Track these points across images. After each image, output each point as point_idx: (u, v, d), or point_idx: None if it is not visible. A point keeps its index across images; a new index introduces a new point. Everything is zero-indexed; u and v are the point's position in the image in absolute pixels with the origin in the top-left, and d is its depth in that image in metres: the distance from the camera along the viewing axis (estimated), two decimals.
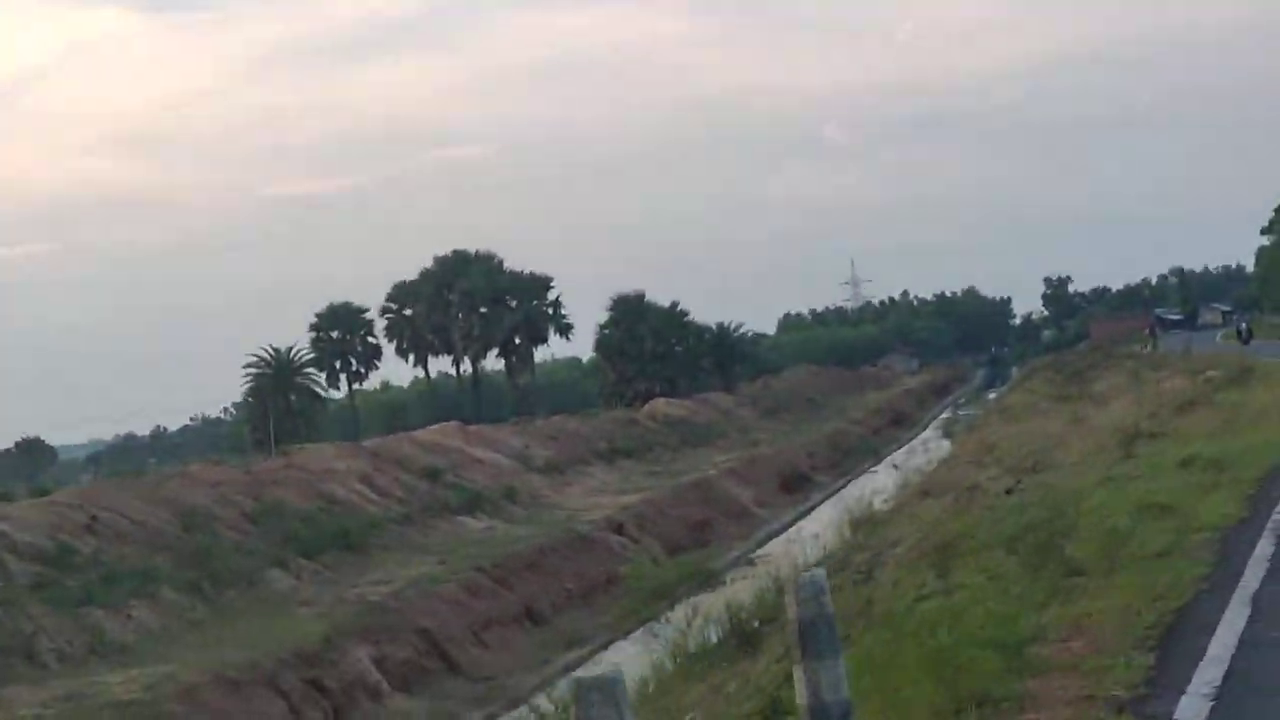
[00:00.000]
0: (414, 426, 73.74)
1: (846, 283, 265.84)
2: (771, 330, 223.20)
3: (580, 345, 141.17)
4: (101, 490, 42.60)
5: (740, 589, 31.56)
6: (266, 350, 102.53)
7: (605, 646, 36.42)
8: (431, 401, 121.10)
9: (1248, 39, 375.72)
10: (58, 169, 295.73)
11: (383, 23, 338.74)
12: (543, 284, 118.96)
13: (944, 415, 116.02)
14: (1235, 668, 9.25)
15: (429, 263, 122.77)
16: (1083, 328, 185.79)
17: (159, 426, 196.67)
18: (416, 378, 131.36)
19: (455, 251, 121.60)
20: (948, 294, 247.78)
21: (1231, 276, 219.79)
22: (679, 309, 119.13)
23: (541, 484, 60.42)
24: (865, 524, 34.28)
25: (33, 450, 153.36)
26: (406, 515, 48.19)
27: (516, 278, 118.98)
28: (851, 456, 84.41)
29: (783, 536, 53.10)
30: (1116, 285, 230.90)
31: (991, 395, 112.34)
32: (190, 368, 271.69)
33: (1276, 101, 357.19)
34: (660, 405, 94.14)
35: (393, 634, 33.95)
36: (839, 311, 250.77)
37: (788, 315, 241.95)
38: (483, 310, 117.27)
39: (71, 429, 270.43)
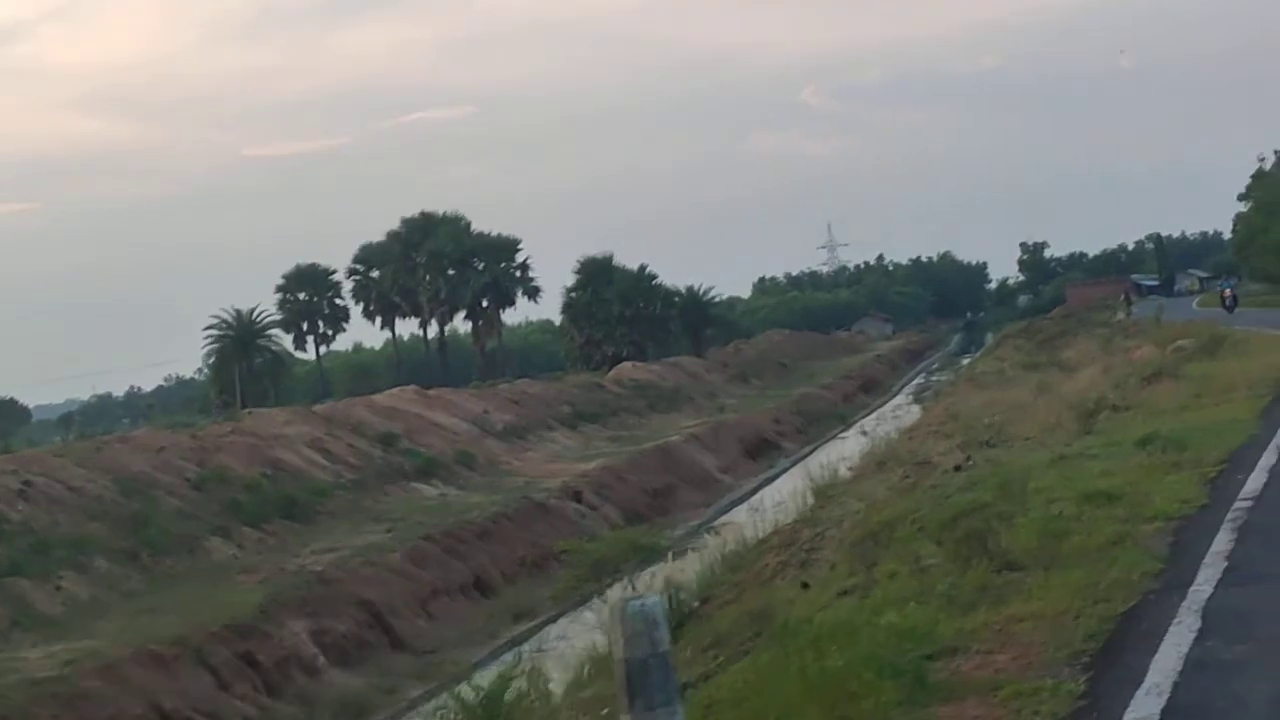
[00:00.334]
0: (384, 389, 72.44)
1: (823, 247, 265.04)
2: (747, 294, 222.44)
3: (554, 308, 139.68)
4: (40, 455, 41.29)
5: (690, 562, 30.55)
6: (228, 312, 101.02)
7: (554, 619, 35.32)
8: (398, 364, 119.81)
9: (1227, 5, 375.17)
10: (38, 127, 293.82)
11: None
12: (510, 246, 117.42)
13: (917, 381, 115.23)
14: (1177, 700, 8.00)
15: (396, 224, 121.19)
16: (1059, 293, 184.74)
17: (133, 387, 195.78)
18: (389, 340, 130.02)
19: (423, 213, 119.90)
20: (924, 259, 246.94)
21: (1209, 243, 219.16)
22: (646, 272, 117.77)
23: (500, 450, 59.32)
24: (823, 495, 33.28)
25: (4, 411, 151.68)
26: (358, 482, 47.09)
27: (484, 239, 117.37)
28: (820, 422, 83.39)
29: (745, 504, 51.90)
30: (1093, 251, 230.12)
31: (966, 360, 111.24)
32: (167, 328, 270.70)
33: (1255, 68, 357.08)
34: (627, 369, 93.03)
35: (333, 606, 32.86)
36: (814, 276, 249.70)
37: (762, 279, 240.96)
38: (450, 272, 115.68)
39: (50, 389, 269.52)
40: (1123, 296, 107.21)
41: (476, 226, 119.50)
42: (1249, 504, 14.43)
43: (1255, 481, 15.81)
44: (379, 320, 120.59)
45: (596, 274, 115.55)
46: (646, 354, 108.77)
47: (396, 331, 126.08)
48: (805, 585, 16.45)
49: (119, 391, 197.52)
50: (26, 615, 29.50)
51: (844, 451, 55.84)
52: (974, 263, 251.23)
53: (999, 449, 22.93)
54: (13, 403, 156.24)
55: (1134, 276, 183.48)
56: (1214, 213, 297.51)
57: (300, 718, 27.83)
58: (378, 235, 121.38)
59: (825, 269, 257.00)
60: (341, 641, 31.76)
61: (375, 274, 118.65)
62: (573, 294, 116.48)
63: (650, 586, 24.00)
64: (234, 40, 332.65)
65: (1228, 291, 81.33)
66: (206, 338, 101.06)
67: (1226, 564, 11.61)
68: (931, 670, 9.16)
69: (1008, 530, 12.47)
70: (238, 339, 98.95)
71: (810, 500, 33.56)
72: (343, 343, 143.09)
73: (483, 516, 42.93)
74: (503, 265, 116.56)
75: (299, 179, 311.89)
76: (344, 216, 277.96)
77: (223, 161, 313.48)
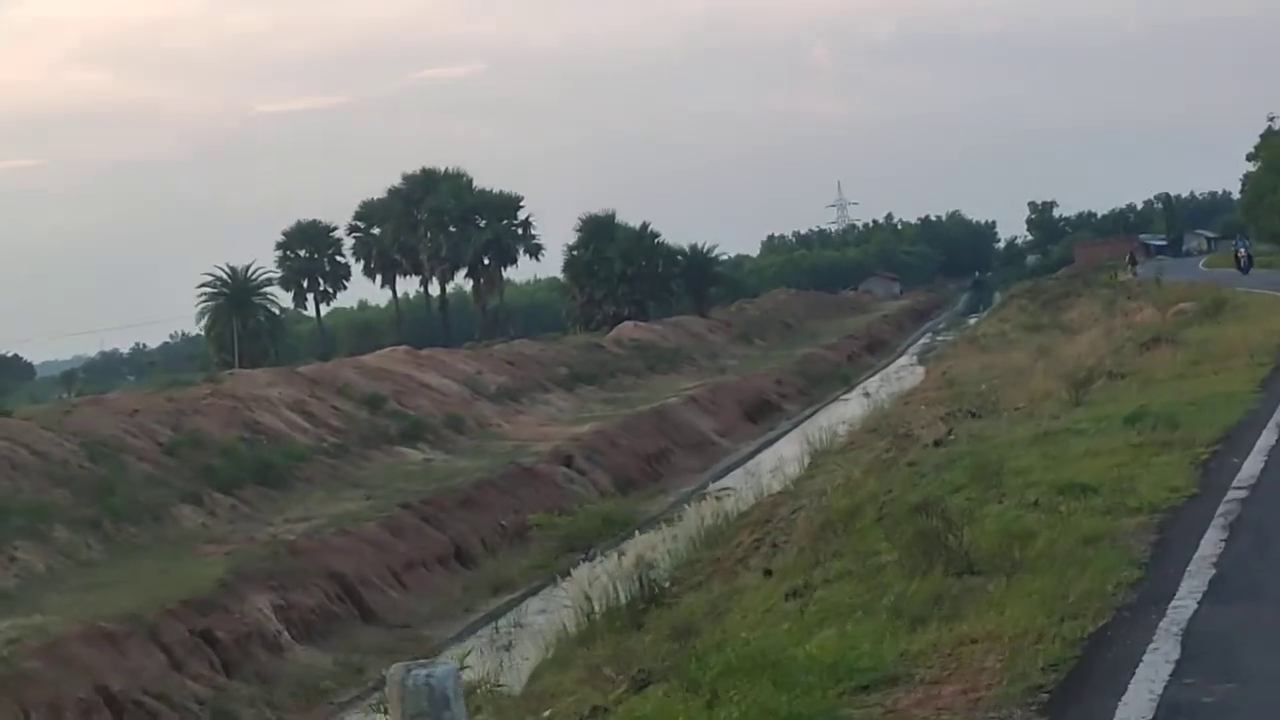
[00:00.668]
0: (388, 348, 71.04)
1: (833, 205, 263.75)
2: (756, 253, 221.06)
3: (560, 266, 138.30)
4: (5, 419, 39.94)
5: (673, 532, 29.38)
6: (223, 269, 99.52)
7: (535, 592, 34.08)
8: (399, 323, 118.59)
9: None
10: (44, 82, 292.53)
11: None
12: (512, 203, 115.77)
13: (923, 341, 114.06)
14: None
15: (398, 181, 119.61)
16: (1067, 253, 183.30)
17: (138, 344, 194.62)
18: (398, 296, 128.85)
19: (424, 169, 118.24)
20: (932, 218, 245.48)
21: (1217, 203, 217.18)
22: (649, 230, 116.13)
23: (492, 412, 58.05)
24: (812, 464, 32.16)
25: (6, 367, 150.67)
26: (341, 446, 45.81)
27: (486, 196, 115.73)
28: (823, 384, 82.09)
29: (742, 469, 50.63)
30: (1102, 210, 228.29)
31: (972, 320, 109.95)
32: (175, 284, 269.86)
33: (1264, 27, 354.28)
34: (628, 329, 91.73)
35: (301, 578, 31.60)
36: (822, 234, 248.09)
37: (771, 238, 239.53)
38: (451, 229, 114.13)
39: (58, 345, 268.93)
40: (1128, 257, 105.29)
41: (482, 184, 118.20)
42: (1243, 493, 13.01)
43: (1251, 466, 14.36)
44: (379, 278, 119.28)
45: (598, 232, 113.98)
46: (648, 313, 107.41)
47: (402, 289, 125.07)
48: (768, 572, 15.27)
49: (126, 348, 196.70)
50: None
51: (844, 414, 54.76)
52: (983, 222, 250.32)
53: (985, 420, 21.59)
54: (16, 359, 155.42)
55: (1142, 236, 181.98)
56: (1223, 172, 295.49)
57: (258, 697, 26.59)
58: (381, 193, 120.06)
59: (835, 228, 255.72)
60: (308, 616, 30.50)
61: (376, 231, 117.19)
62: (574, 252, 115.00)
63: (620, 564, 22.82)
64: None
65: (1243, 251, 76.23)
66: (200, 295, 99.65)
67: (1214, 572, 10.19)
68: (862, 709, 7.83)
69: (972, 525, 11.11)
70: (232, 297, 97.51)
71: (800, 468, 32.54)
72: (349, 300, 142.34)
73: (466, 483, 41.68)
74: (504, 223, 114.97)
75: (308, 135, 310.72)
76: (352, 174, 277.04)
77: (232, 118, 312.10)
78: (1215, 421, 17.00)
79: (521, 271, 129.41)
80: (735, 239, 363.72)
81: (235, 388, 47.39)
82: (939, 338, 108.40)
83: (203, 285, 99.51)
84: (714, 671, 8.34)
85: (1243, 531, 11.53)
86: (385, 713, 9.79)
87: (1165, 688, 7.60)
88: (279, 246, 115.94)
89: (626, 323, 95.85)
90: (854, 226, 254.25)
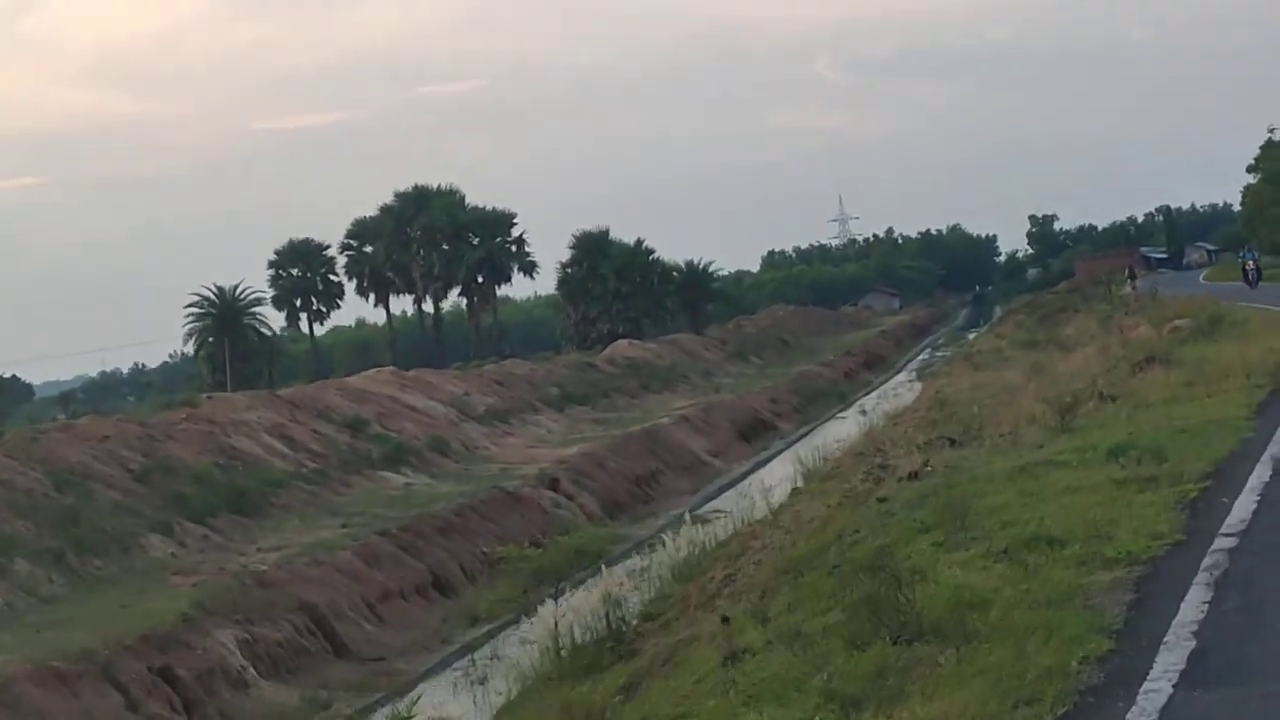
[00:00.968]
0: (384, 367, 69.96)
1: (835, 220, 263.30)
2: (756, 268, 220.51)
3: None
4: None
5: (654, 560, 28.43)
6: (210, 289, 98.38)
7: (514, 623, 32.99)
8: (393, 342, 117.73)
9: None
10: (46, 100, 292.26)
11: None
12: (506, 220, 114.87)
13: (922, 356, 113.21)
14: None
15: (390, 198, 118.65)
16: (1068, 266, 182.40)
17: (138, 364, 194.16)
18: (392, 315, 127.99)
19: (416, 186, 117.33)
20: (933, 232, 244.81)
21: (1218, 215, 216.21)
22: (644, 246, 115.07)
23: (480, 434, 57.07)
24: (805, 484, 31.23)
25: (4, 389, 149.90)
26: (320, 471, 44.76)
27: (479, 213, 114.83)
28: (819, 401, 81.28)
29: (734, 490, 49.61)
30: (1102, 224, 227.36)
31: (972, 335, 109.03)
32: (176, 303, 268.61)
33: (1264, 40, 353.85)
34: (622, 347, 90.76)
35: (270, 611, 30.60)
36: (823, 250, 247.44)
37: (771, 253, 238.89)
38: (444, 247, 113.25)
39: (58, 365, 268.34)
40: (1126, 270, 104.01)
41: (479, 200, 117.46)
42: (1232, 541, 11.72)
43: (1242, 507, 13.03)
44: (372, 297, 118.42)
45: (592, 249, 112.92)
46: (643, 331, 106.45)
47: (398, 308, 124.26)
48: (725, 620, 14.28)
49: (127, 368, 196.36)
50: None
51: (840, 433, 53.80)
52: (983, 236, 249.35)
53: (966, 449, 20.51)
54: (15, 380, 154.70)
55: (1143, 249, 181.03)
56: (1224, 185, 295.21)
57: None
58: (374, 210, 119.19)
59: (836, 242, 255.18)
60: (276, 651, 29.49)
61: (368, 249, 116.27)
62: (568, 270, 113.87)
63: (587, 601, 21.88)
64: (242, 14, 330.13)
65: (1251, 263, 70.33)
66: (188, 316, 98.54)
67: (1194, 644, 8.96)
68: None
69: (928, 581, 10.02)
70: (219, 317, 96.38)
71: (786, 493, 31.56)
72: (348, 318, 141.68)
73: (446, 509, 40.68)
74: (498, 240, 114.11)
75: (308, 153, 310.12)
76: (352, 191, 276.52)
77: (232, 136, 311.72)
78: (1206, 453, 15.71)
79: (522, 289, 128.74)
80: (736, 255, 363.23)
81: (212, 412, 46.33)
82: (938, 353, 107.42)
83: (190, 305, 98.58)
84: None
85: (1229, 591, 10.31)
86: None
87: None
88: (271, 265, 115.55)
89: (621, 341, 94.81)
90: (854, 241, 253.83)
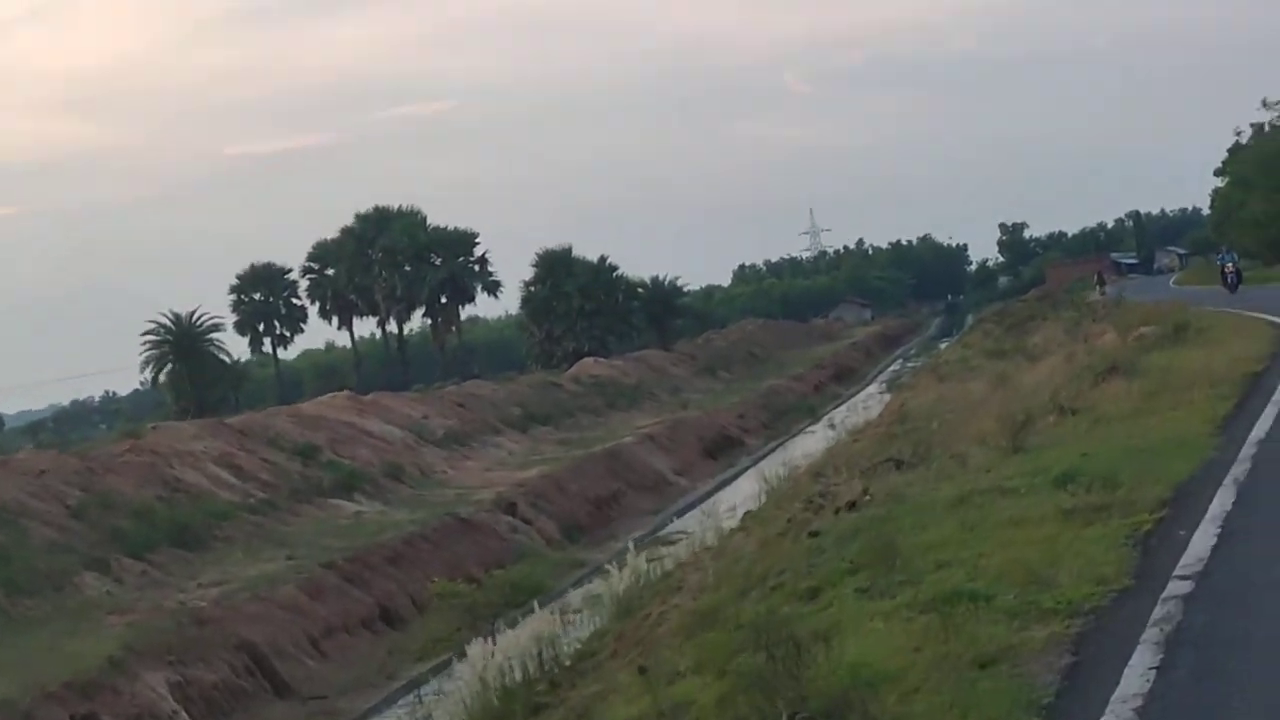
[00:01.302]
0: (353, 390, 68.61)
1: (806, 232, 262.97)
2: (728, 283, 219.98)
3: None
4: None
5: (607, 585, 27.29)
6: (167, 316, 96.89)
7: (462, 655, 31.73)
8: (358, 365, 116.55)
9: None
10: (15, 129, 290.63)
11: None
12: (468, 240, 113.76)
13: (893, 368, 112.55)
14: None
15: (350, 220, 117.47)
16: (1038, 273, 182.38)
17: (109, 392, 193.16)
18: (360, 338, 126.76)
19: (377, 208, 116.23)
20: (904, 242, 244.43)
21: (1188, 219, 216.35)
22: (607, 263, 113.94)
23: (437, 459, 55.83)
24: (758, 509, 30.22)
25: None
26: (268, 501, 43.42)
27: (441, 234, 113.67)
28: (787, 416, 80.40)
29: (699, 509, 48.58)
30: (1072, 230, 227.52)
31: (944, 345, 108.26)
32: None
33: (1233, 42, 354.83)
34: (588, 365, 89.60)
35: (206, 650, 29.34)
36: (793, 262, 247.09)
37: (742, 267, 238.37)
38: (406, 268, 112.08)
39: (33, 395, 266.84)
40: (1095, 276, 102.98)
41: (444, 221, 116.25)
42: (1187, 586, 10.28)
43: (1200, 544, 11.62)
44: (335, 320, 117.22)
45: (555, 267, 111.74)
46: (609, 348, 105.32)
47: (363, 330, 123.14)
48: (643, 670, 13.18)
49: (99, 396, 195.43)
50: None
51: (808, 447, 52.89)
52: (954, 245, 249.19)
53: (914, 473, 19.33)
54: None
55: (1114, 255, 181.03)
56: (1192, 189, 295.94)
57: None
58: (336, 232, 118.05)
59: (807, 255, 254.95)
60: (211, 693, 28.25)
61: (330, 272, 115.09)
62: (531, 288, 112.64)
63: (516, 642, 20.75)
64: (212, 39, 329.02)
65: (1229, 266, 66.65)
66: (145, 344, 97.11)
67: None
68: None
69: (833, 644, 8.78)
70: (176, 344, 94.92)
71: (732, 521, 30.52)
72: (315, 342, 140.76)
73: (396, 538, 39.45)
74: (460, 260, 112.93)
75: (279, 177, 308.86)
76: (323, 213, 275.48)
77: (202, 161, 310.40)
78: (1164, 476, 14.33)
79: (493, 309, 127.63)
80: (706, 269, 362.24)
81: (157, 443, 44.95)
82: (910, 364, 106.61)
83: (146, 333, 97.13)
84: None
85: (1180, 653, 8.72)
86: None
87: None
88: (232, 290, 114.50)
89: (587, 359, 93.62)
90: (825, 253, 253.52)
